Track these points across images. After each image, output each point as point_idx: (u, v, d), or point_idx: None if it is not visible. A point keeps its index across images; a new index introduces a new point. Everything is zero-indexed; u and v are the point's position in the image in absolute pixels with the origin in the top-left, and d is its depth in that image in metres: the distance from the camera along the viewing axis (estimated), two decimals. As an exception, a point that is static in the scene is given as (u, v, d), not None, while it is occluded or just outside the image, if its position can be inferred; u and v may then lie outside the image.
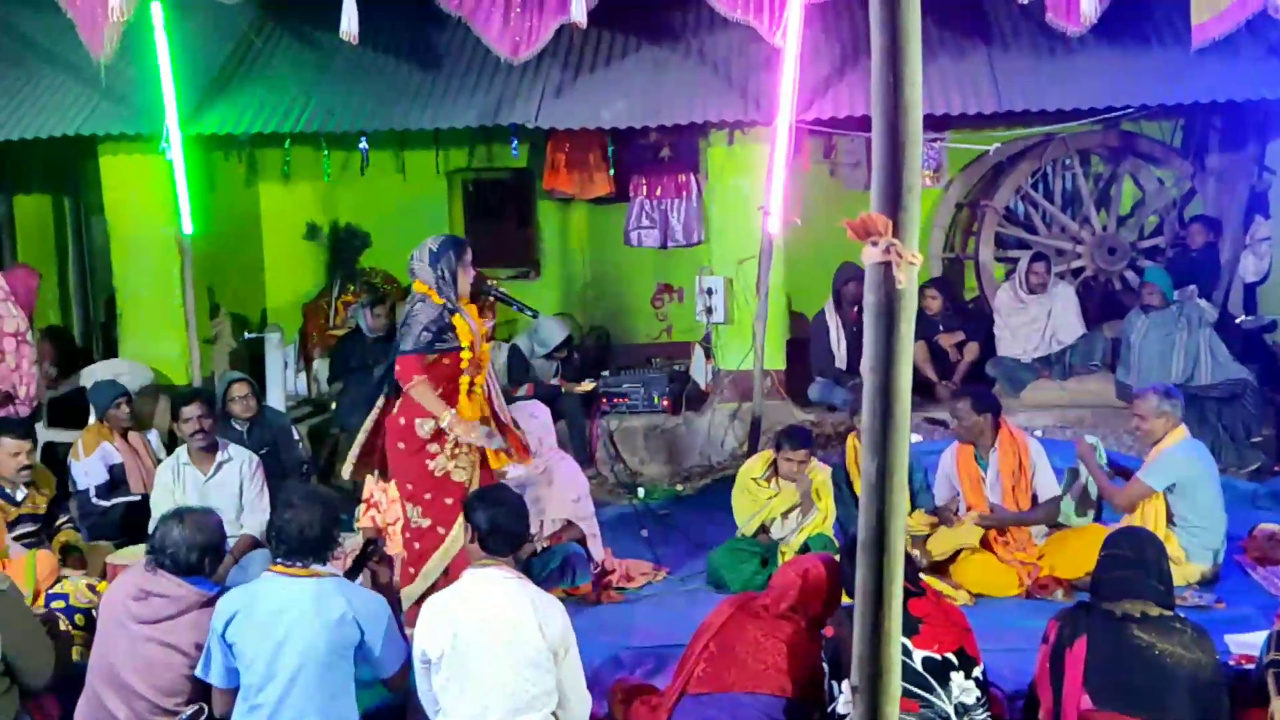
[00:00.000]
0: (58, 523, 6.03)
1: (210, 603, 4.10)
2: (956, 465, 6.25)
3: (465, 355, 5.17)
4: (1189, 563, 5.76)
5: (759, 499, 6.30)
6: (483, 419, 5.30)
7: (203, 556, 4.12)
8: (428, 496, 5.20)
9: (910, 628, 3.79)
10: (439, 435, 5.16)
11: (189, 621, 4.05)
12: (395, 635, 4.00)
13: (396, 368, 5.11)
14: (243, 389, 6.94)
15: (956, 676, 3.78)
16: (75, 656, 4.75)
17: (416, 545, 5.26)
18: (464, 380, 5.21)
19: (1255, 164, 8.97)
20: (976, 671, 3.83)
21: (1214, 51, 7.23)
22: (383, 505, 6.13)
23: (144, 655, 4.00)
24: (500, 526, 3.93)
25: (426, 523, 5.21)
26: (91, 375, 8.23)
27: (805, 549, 5.82)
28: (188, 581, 4.10)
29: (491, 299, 5.58)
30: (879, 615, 2.40)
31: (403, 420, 5.22)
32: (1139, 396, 6.20)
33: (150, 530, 4.22)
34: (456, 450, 5.20)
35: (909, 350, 2.33)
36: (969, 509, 6.12)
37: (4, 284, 7.46)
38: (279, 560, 3.99)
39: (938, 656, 3.79)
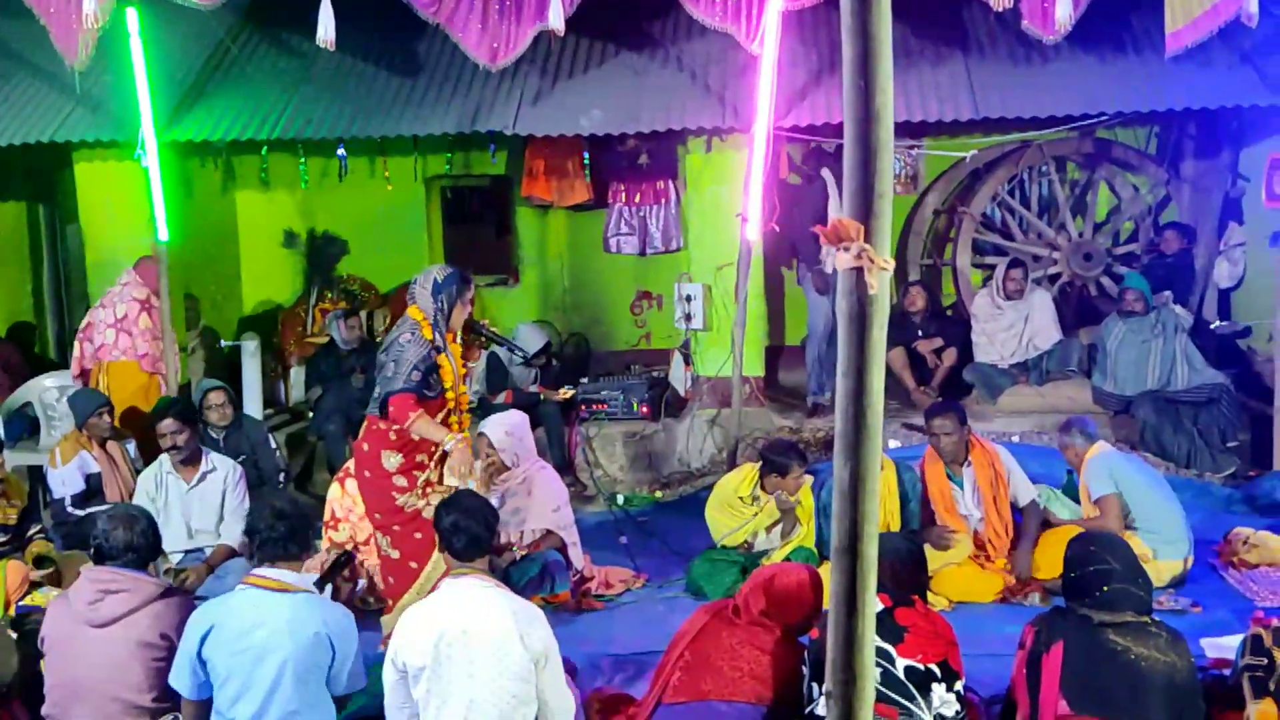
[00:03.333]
0: (31, 532, 5.98)
1: (168, 593, 4.11)
2: (927, 483, 6.20)
3: (449, 396, 5.17)
4: (1158, 560, 5.79)
5: (743, 515, 6.27)
6: None
7: (144, 548, 4.17)
8: (396, 528, 5.15)
9: (895, 636, 3.80)
10: (407, 470, 5.11)
11: (151, 613, 4.04)
12: (359, 658, 3.99)
13: (390, 407, 5.04)
14: (219, 397, 6.93)
15: (938, 688, 3.79)
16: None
17: (391, 579, 5.22)
18: (451, 421, 5.20)
19: (1229, 171, 9.04)
20: (959, 685, 3.84)
21: (1188, 59, 7.28)
22: (353, 520, 6.13)
23: (111, 656, 3.99)
24: (465, 530, 3.92)
25: (396, 554, 5.18)
26: (38, 387, 8.17)
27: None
28: (139, 573, 4.13)
29: (482, 338, 5.57)
30: (852, 621, 2.39)
31: (366, 447, 5.17)
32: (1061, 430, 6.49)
33: (96, 532, 4.21)
34: (428, 490, 5.16)
35: (881, 356, 2.33)
36: (946, 528, 6.11)
37: (138, 278, 7.74)
38: (254, 571, 3.98)
39: (920, 666, 3.80)
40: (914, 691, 3.76)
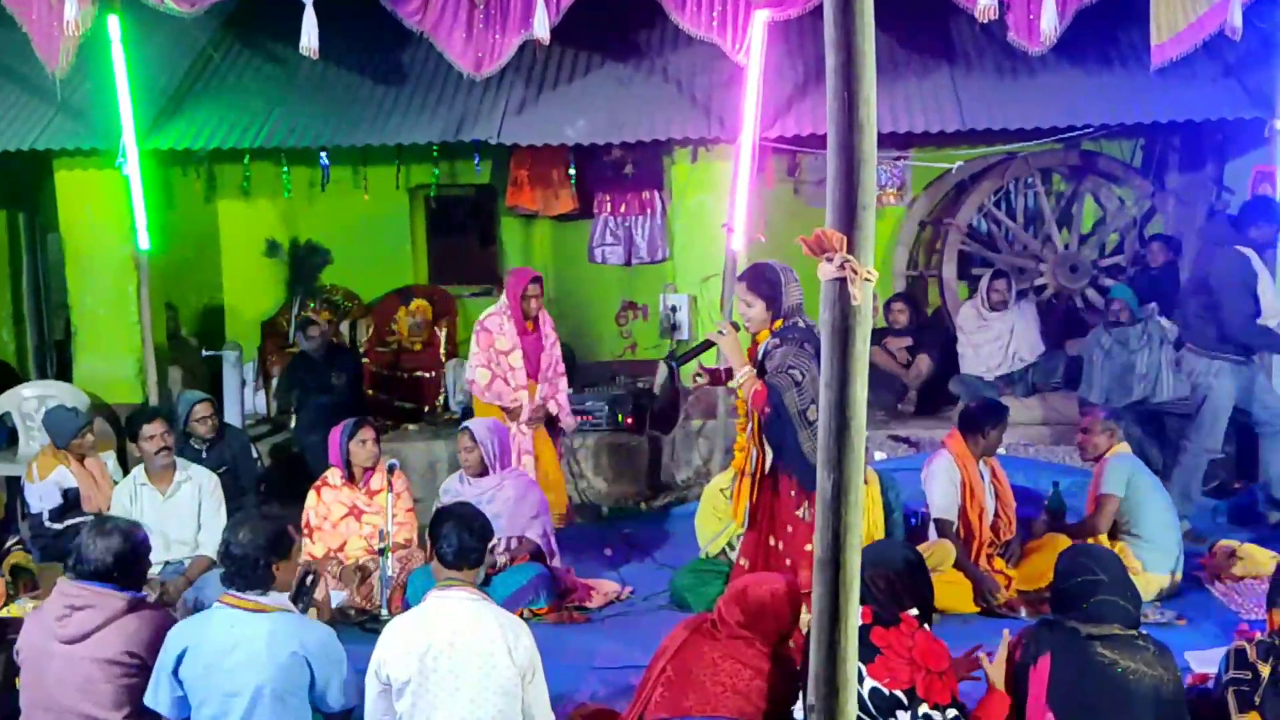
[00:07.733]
0: (9, 544, 5.91)
1: (137, 606, 4.03)
2: (966, 476, 5.93)
3: None
4: (1147, 572, 5.77)
5: (725, 515, 6.24)
6: None
7: (121, 563, 4.03)
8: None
9: (868, 654, 3.64)
10: None
11: (118, 630, 3.96)
12: (348, 673, 3.92)
13: None
14: (205, 408, 6.86)
15: (903, 716, 3.65)
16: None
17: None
18: None
19: (1214, 183, 9.05)
20: (923, 710, 3.68)
21: (1173, 72, 7.31)
22: (326, 530, 6.09)
23: (81, 674, 3.91)
24: (458, 539, 3.88)
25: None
26: (17, 397, 8.09)
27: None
28: (108, 588, 4.01)
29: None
30: (835, 633, 2.38)
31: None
32: (1088, 414, 6.40)
33: (74, 544, 4.12)
34: None
35: (864, 367, 2.31)
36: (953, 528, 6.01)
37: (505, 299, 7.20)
38: (229, 590, 3.90)
39: (886, 691, 3.66)
40: (876, 715, 3.64)
